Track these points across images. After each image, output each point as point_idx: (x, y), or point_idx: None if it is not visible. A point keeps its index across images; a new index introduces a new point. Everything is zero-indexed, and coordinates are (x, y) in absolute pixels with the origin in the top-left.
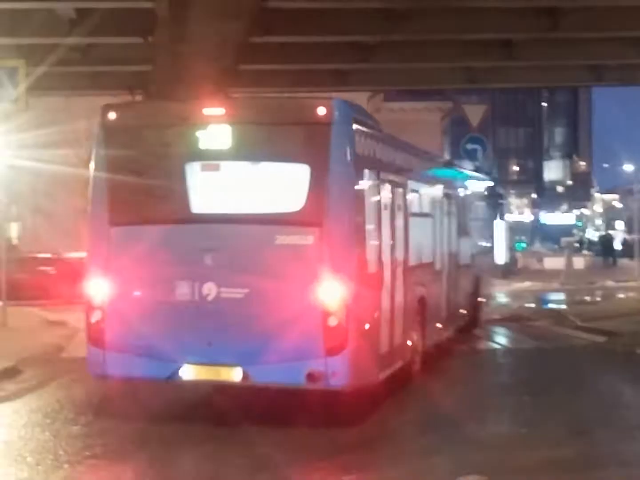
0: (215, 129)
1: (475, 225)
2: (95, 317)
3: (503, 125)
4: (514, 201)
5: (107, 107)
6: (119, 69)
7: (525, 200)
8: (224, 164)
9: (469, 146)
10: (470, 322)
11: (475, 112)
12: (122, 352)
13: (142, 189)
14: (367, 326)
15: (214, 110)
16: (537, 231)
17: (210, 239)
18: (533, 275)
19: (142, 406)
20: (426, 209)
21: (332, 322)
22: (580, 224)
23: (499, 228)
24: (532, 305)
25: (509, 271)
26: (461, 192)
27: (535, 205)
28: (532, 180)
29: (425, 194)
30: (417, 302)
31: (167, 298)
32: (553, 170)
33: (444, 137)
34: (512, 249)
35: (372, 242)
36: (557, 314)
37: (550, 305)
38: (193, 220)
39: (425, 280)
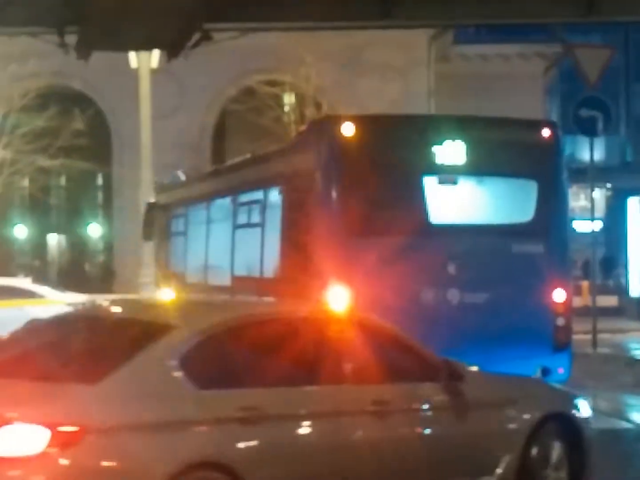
0: (451, 144)
1: None
2: None
3: None
4: None
5: (342, 120)
6: None
7: None
8: (459, 178)
9: (584, 112)
10: None
11: (593, 60)
12: None
13: (378, 201)
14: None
15: (450, 126)
16: None
17: (451, 248)
18: None
19: None
20: None
21: (560, 322)
22: None
23: None
24: None
25: None
26: None
27: None
28: None
29: None
30: None
31: (412, 304)
32: None
33: (549, 99)
34: None
35: None
36: None
37: None
38: (432, 231)
39: None
